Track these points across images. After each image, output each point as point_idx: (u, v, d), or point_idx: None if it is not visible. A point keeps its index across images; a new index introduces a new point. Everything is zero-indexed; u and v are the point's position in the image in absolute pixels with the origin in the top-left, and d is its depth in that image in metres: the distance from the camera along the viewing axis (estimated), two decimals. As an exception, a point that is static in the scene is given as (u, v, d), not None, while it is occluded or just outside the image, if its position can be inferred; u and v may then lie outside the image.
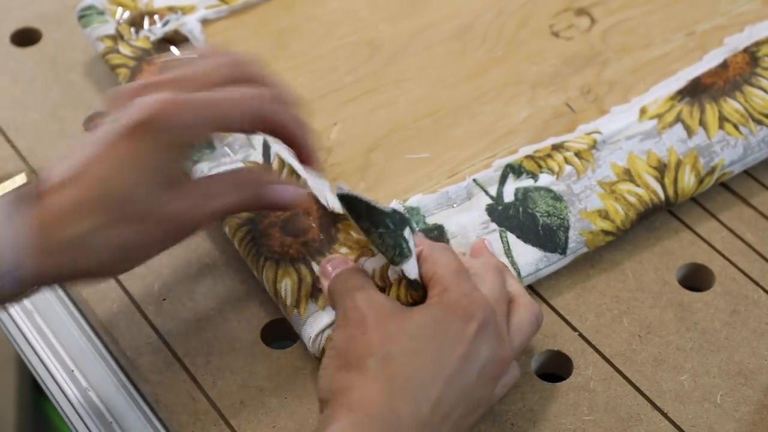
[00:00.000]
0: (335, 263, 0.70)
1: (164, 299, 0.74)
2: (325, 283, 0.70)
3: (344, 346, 0.63)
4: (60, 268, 0.62)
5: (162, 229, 0.64)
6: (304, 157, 0.70)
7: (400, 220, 0.68)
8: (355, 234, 0.73)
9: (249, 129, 0.68)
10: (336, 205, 0.74)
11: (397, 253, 0.67)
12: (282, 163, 0.78)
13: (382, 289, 0.70)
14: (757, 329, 0.73)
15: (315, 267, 0.72)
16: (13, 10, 0.93)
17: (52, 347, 0.75)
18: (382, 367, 0.61)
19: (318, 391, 0.63)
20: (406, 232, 0.68)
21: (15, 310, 0.77)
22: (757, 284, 0.76)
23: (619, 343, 0.72)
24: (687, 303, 0.74)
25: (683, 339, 0.73)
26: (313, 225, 0.74)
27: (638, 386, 0.70)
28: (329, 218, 0.75)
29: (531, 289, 0.75)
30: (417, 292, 0.68)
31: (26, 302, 0.77)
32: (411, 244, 0.68)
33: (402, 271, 0.68)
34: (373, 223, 0.67)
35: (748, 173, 0.82)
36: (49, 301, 0.77)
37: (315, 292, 0.71)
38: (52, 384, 0.74)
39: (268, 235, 0.74)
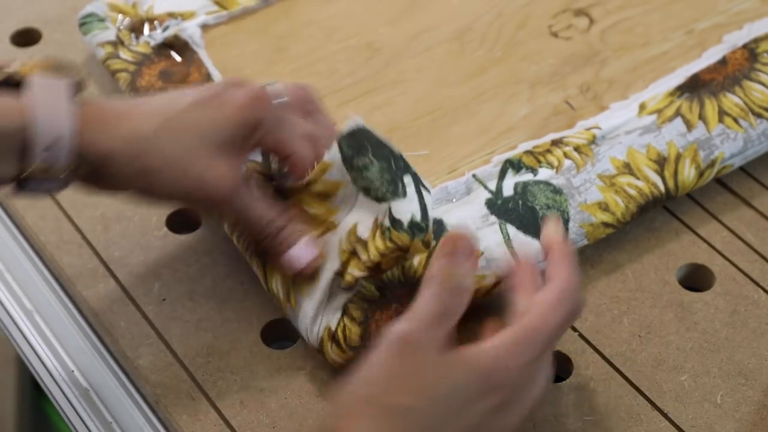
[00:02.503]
0: (300, 250, 0.70)
1: (164, 299, 0.75)
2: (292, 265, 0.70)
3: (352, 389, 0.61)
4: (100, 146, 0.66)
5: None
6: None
7: (403, 165, 0.69)
8: (311, 209, 0.73)
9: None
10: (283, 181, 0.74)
11: (391, 190, 0.68)
12: None
13: (353, 252, 0.69)
14: (757, 329, 0.73)
15: None
16: (13, 11, 0.93)
17: (52, 347, 0.75)
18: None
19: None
20: (406, 178, 0.69)
21: (15, 310, 0.77)
22: (757, 284, 0.76)
23: (619, 343, 0.73)
24: (687, 303, 0.74)
25: (683, 339, 0.73)
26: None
27: (638, 386, 0.70)
28: (279, 197, 0.74)
29: (531, 289, 0.75)
30: (398, 234, 0.68)
31: (26, 302, 0.77)
32: (409, 189, 0.68)
33: (390, 208, 0.68)
34: (377, 158, 0.68)
35: (748, 173, 0.82)
36: (49, 301, 0.77)
37: (295, 277, 0.71)
38: (52, 384, 0.74)
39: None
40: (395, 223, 0.68)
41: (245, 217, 0.70)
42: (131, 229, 0.78)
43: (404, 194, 0.69)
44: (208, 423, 0.69)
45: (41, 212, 0.79)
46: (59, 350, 0.75)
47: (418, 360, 0.60)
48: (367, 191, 0.70)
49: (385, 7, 0.91)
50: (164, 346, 0.72)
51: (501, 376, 0.61)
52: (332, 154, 0.71)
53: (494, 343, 0.61)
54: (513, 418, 0.62)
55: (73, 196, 0.80)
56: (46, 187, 0.66)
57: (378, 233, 0.69)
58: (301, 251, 0.70)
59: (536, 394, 0.63)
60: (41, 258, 0.79)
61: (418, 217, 0.68)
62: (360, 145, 0.70)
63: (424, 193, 0.70)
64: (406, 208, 0.69)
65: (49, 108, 0.64)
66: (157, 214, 0.79)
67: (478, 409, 0.60)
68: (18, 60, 0.67)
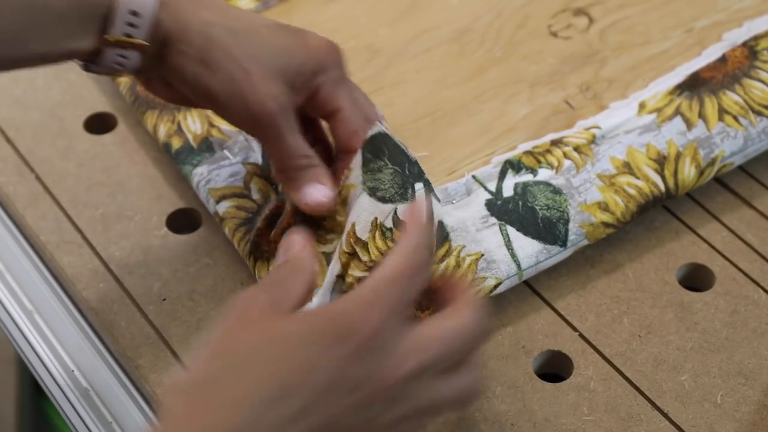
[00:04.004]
0: (314, 187, 0.71)
1: (164, 299, 0.74)
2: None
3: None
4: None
5: None
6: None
7: (417, 172, 0.70)
8: (340, 217, 0.73)
9: None
10: None
11: (399, 193, 0.69)
12: None
13: (352, 254, 0.69)
14: (757, 329, 0.73)
15: None
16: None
17: (52, 347, 0.75)
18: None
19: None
20: (418, 185, 0.70)
21: (15, 310, 0.77)
22: (757, 284, 0.76)
23: (619, 343, 0.73)
24: (687, 303, 0.75)
25: (683, 339, 0.73)
26: (288, 208, 0.73)
27: (638, 386, 0.70)
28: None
29: (531, 289, 0.75)
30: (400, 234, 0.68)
31: (26, 302, 0.77)
32: (418, 195, 0.69)
33: (395, 210, 0.69)
34: (392, 162, 0.69)
35: (748, 173, 0.82)
36: (49, 301, 0.77)
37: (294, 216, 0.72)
38: (52, 384, 0.74)
39: (261, 233, 0.74)
40: (399, 224, 0.68)
41: (279, 143, 0.71)
42: (131, 229, 0.78)
43: (412, 199, 0.69)
44: (208, 423, 0.69)
45: (41, 212, 0.79)
46: (59, 350, 0.75)
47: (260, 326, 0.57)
48: (374, 191, 0.70)
49: (385, 8, 0.91)
50: (164, 346, 0.72)
51: (348, 320, 0.56)
52: (356, 161, 0.72)
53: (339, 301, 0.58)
54: (381, 368, 0.56)
55: (73, 196, 0.80)
56: (115, 62, 0.68)
57: (378, 234, 0.69)
58: (315, 189, 0.71)
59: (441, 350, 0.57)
60: (41, 258, 0.79)
61: None
62: (378, 149, 0.71)
63: (434, 201, 0.70)
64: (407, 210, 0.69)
65: None
66: (158, 214, 0.79)
67: (331, 356, 0.55)
68: None
